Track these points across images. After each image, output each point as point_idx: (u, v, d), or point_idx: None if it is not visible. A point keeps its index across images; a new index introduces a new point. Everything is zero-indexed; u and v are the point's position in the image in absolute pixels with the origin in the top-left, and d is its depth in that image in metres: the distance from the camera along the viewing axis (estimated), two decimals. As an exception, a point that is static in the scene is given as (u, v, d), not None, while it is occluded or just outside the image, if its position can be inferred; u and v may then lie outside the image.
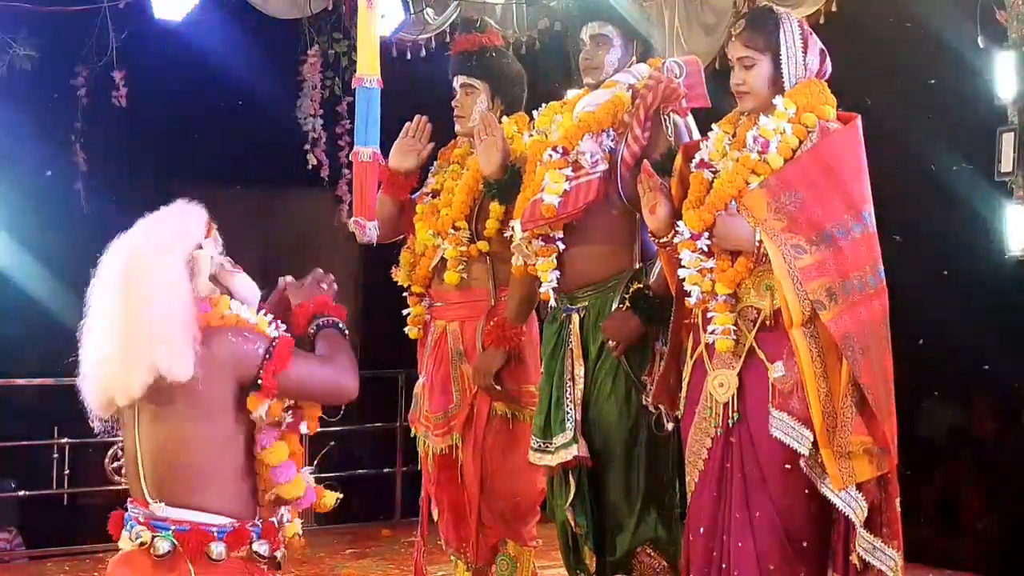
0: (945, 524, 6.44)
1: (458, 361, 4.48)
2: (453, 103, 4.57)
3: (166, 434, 2.77)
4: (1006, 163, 4.88)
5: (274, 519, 2.89)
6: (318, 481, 3.04)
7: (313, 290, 3.05)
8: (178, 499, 2.76)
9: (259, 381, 2.76)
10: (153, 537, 2.74)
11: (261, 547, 2.81)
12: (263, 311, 2.95)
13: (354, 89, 4.52)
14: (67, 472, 6.38)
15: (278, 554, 2.86)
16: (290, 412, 2.89)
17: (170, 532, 2.73)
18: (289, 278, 3.10)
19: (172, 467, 2.78)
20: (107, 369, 2.77)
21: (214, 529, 2.76)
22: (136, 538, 2.75)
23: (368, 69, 4.40)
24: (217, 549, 2.74)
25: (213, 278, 2.89)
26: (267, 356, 2.77)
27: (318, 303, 3.00)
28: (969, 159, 5.34)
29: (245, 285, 2.96)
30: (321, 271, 3.12)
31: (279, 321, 2.93)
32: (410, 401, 4.82)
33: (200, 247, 2.87)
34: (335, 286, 3.10)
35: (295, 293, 3.05)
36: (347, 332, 2.98)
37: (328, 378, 2.86)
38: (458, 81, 4.54)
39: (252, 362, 2.77)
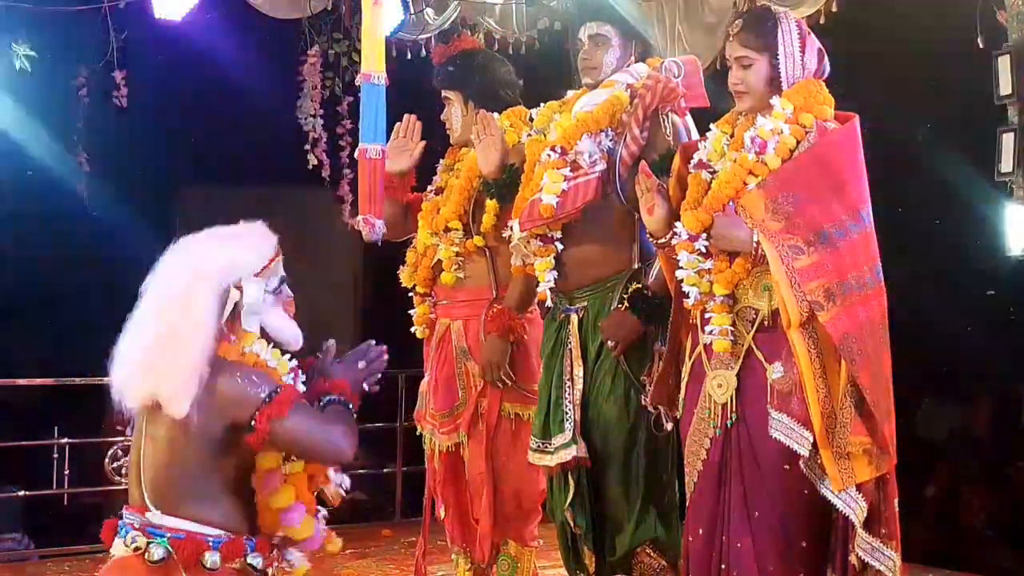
0: (945, 524, 6.44)
1: (463, 359, 4.49)
2: (442, 116, 4.62)
3: (166, 448, 2.78)
4: (1006, 163, 4.87)
5: (274, 542, 2.90)
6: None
7: (347, 370, 2.99)
8: (175, 508, 2.77)
9: (252, 423, 2.73)
10: (148, 543, 2.74)
11: (255, 560, 2.81)
12: (289, 356, 2.93)
13: (356, 88, 4.52)
14: (67, 472, 6.38)
15: (271, 571, 2.86)
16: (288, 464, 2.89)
17: (165, 539, 2.74)
18: (332, 343, 3.05)
19: (170, 479, 2.79)
20: (127, 371, 2.78)
21: (209, 539, 2.76)
22: (131, 543, 2.75)
23: (374, 66, 4.40)
24: (212, 558, 2.74)
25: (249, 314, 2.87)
26: (267, 401, 2.74)
27: (335, 386, 2.94)
28: (969, 159, 5.33)
29: (283, 327, 2.92)
30: (371, 344, 3.06)
31: (301, 370, 2.93)
32: (411, 401, 4.82)
33: (240, 287, 2.83)
34: (384, 358, 3.05)
35: (327, 366, 3.00)
36: (354, 414, 2.93)
37: (323, 437, 2.80)
38: (442, 94, 4.60)
39: (251, 405, 2.74)
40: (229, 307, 2.81)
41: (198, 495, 2.78)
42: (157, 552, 2.73)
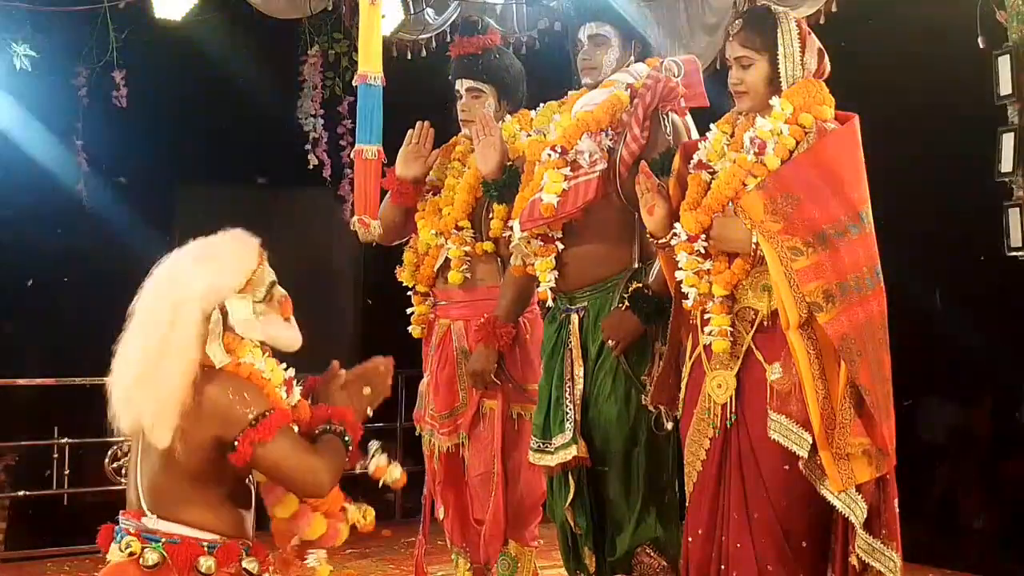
0: (945, 524, 6.43)
1: (463, 360, 4.49)
2: (459, 107, 4.55)
3: (160, 460, 2.77)
4: (1006, 163, 4.87)
5: (293, 545, 2.92)
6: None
7: (351, 398, 2.96)
8: (171, 513, 2.77)
9: (235, 444, 2.71)
10: (143, 548, 2.74)
11: (251, 564, 2.80)
12: (286, 366, 2.91)
13: (355, 88, 4.51)
14: (67, 472, 6.38)
15: None
16: None
17: (160, 544, 2.74)
18: (336, 364, 3.02)
19: (167, 487, 2.78)
20: (116, 396, 2.79)
21: (204, 544, 2.75)
22: (126, 548, 2.74)
23: (371, 67, 4.40)
24: (206, 563, 2.73)
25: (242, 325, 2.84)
26: (253, 424, 2.71)
27: (337, 414, 2.90)
28: (969, 159, 5.33)
29: (277, 332, 2.88)
30: (378, 365, 3.04)
31: (304, 389, 2.93)
32: (410, 401, 4.82)
33: (224, 309, 2.80)
34: (388, 382, 3.03)
35: (331, 392, 2.97)
36: (350, 447, 2.88)
37: (303, 469, 2.76)
38: (463, 85, 4.53)
39: (237, 425, 2.72)
40: (216, 329, 2.77)
41: (194, 501, 2.77)
42: (152, 557, 2.73)
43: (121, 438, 6.05)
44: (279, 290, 2.90)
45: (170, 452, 2.72)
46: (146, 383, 2.71)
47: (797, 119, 3.52)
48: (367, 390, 3.00)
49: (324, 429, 2.86)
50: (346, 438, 2.86)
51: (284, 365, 2.90)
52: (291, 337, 2.90)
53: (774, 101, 3.54)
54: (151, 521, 2.76)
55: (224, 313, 2.79)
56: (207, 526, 2.77)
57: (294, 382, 2.93)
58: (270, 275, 2.89)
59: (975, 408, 6.62)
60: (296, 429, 2.82)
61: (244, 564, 2.80)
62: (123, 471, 6.12)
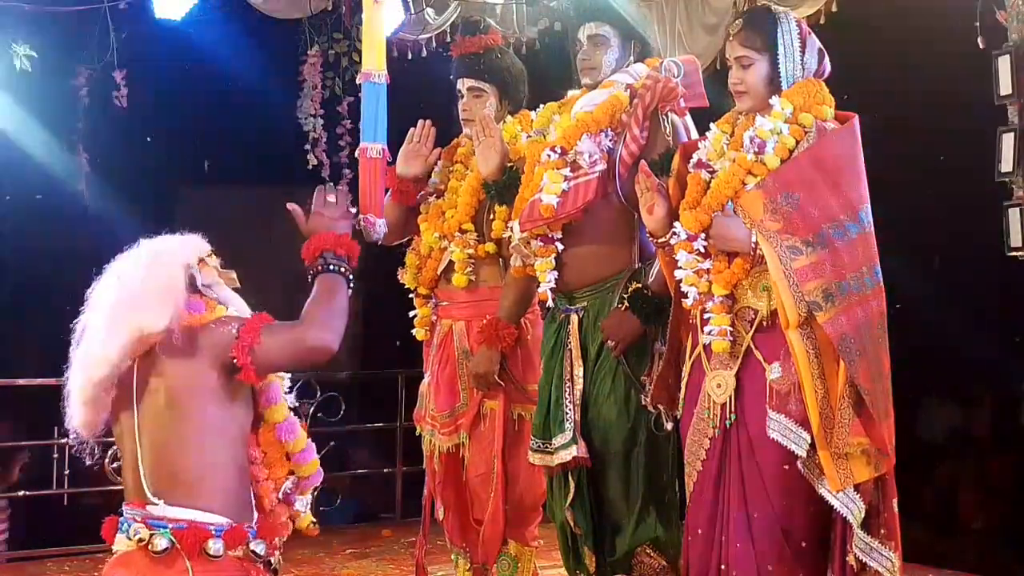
0: (944, 524, 6.44)
1: (464, 360, 4.48)
2: (461, 106, 4.54)
3: (166, 435, 2.80)
4: (1006, 163, 4.87)
5: (286, 489, 2.96)
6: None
7: (324, 218, 2.97)
8: (177, 498, 2.78)
9: (235, 361, 2.78)
10: (151, 534, 2.75)
11: (258, 547, 2.82)
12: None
13: (357, 87, 4.50)
14: (67, 472, 6.38)
15: (273, 559, 2.88)
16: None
17: (168, 530, 2.74)
18: (293, 206, 3.03)
19: (172, 467, 2.79)
20: (90, 350, 2.84)
21: (212, 527, 2.77)
22: (135, 535, 2.75)
23: (375, 65, 4.39)
24: (215, 546, 2.75)
25: (208, 290, 2.94)
26: (237, 335, 2.79)
27: (329, 239, 2.93)
28: (969, 159, 5.33)
29: (237, 304, 2.99)
30: (324, 189, 3.04)
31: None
32: (410, 401, 4.82)
33: (202, 260, 2.94)
34: (347, 199, 3.03)
35: (306, 220, 2.99)
36: (351, 277, 2.92)
37: (304, 345, 2.82)
38: (465, 84, 4.53)
39: (227, 343, 2.79)
40: (197, 277, 2.91)
41: (202, 482, 2.79)
42: (161, 543, 2.74)
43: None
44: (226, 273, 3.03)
45: (178, 403, 2.78)
46: (132, 298, 2.79)
47: (797, 119, 3.53)
48: (330, 200, 3.00)
49: (323, 264, 2.89)
50: (343, 269, 2.90)
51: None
52: (243, 304, 3.00)
53: (774, 101, 3.54)
54: (157, 508, 2.77)
55: (202, 263, 2.94)
56: (213, 509, 2.78)
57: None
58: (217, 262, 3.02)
59: (974, 408, 6.62)
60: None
61: (251, 546, 2.81)
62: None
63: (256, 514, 2.91)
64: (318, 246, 2.92)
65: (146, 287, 2.80)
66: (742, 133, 3.60)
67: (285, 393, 3.02)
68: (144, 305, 2.77)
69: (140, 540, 2.75)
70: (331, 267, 2.90)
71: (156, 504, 2.77)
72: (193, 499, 2.77)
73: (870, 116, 3.64)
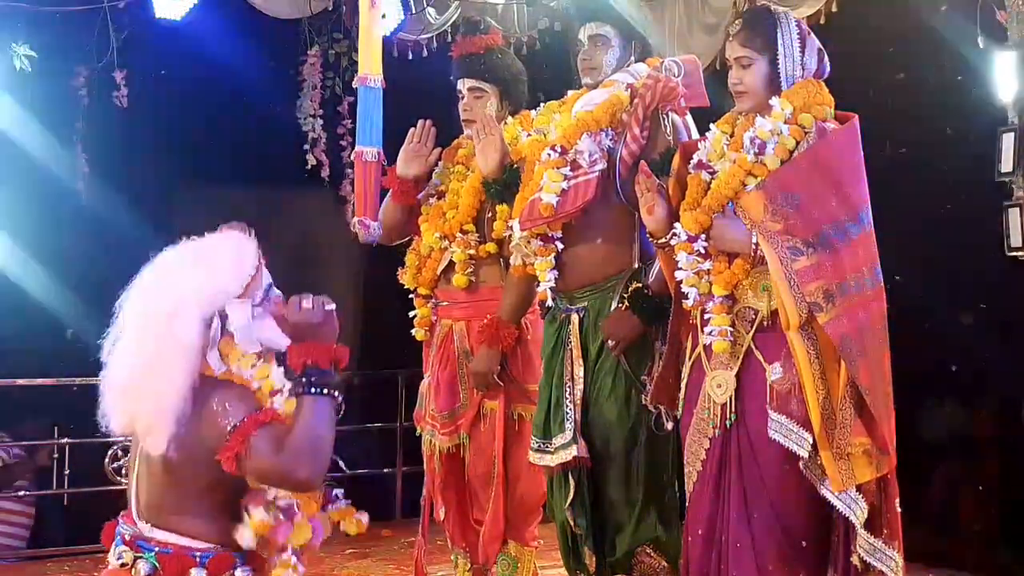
0: (945, 524, 6.42)
1: (464, 360, 4.49)
2: (461, 107, 4.55)
3: (159, 469, 2.73)
4: (1006, 163, 4.87)
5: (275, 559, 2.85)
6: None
7: (307, 328, 2.72)
8: (164, 522, 2.74)
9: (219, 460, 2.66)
10: (136, 558, 2.72)
11: (244, 574, 2.76)
12: (284, 371, 2.81)
13: (355, 89, 4.51)
14: (67, 472, 6.38)
15: None
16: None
17: (153, 554, 2.71)
18: (279, 296, 2.82)
19: (160, 494, 2.75)
20: (108, 397, 2.74)
21: (197, 554, 2.72)
22: (119, 558, 2.73)
23: (371, 69, 4.39)
24: (197, 575, 2.71)
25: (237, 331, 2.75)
26: (229, 434, 2.63)
27: (310, 351, 2.71)
28: (969, 159, 5.33)
29: (272, 337, 2.76)
30: (299, 298, 2.76)
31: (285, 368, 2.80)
32: (410, 401, 4.82)
33: (224, 314, 2.72)
34: (322, 303, 2.76)
35: (285, 327, 2.77)
36: (338, 394, 2.71)
37: (284, 476, 2.65)
38: (465, 84, 4.53)
39: (218, 438, 2.65)
40: (215, 334, 2.71)
41: (189, 511, 2.74)
42: (144, 569, 2.70)
43: (121, 438, 6.10)
44: (275, 291, 2.82)
45: (166, 460, 2.69)
46: (142, 390, 2.66)
47: (797, 119, 3.53)
48: (306, 304, 2.73)
49: (307, 382, 2.67)
50: (326, 391, 2.67)
51: (281, 369, 2.79)
52: (283, 341, 2.77)
53: (774, 101, 3.55)
54: (146, 529, 2.74)
55: (224, 318, 2.73)
56: (201, 535, 2.73)
57: (286, 389, 2.80)
58: (267, 278, 2.82)
59: (975, 408, 6.60)
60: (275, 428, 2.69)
61: (237, 574, 2.76)
62: (123, 471, 6.12)
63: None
64: (300, 359, 2.71)
65: (159, 382, 2.63)
66: (742, 134, 3.60)
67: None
68: (150, 410, 2.64)
69: (123, 564, 2.72)
70: (313, 389, 2.67)
71: (144, 524, 2.75)
72: (180, 524, 2.73)
73: (870, 116, 3.64)
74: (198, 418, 2.66)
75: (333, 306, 2.75)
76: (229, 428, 2.64)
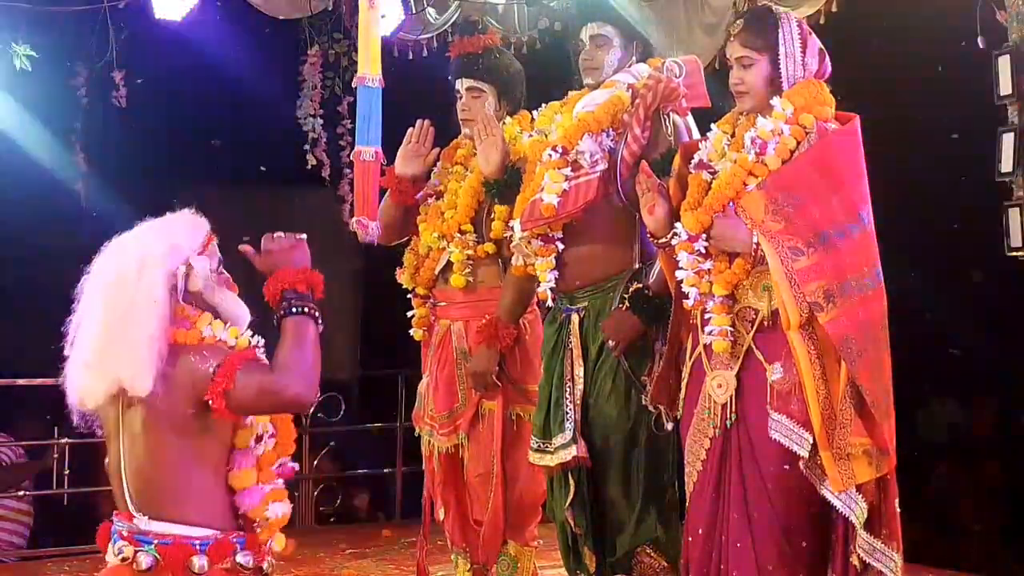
0: (945, 524, 6.44)
1: (462, 360, 4.48)
2: (459, 106, 4.54)
3: (144, 449, 2.75)
4: (1006, 163, 4.86)
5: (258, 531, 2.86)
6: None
7: (276, 254, 2.83)
8: (160, 512, 2.74)
9: (209, 400, 2.69)
10: (136, 552, 2.71)
11: (245, 558, 2.76)
12: (251, 333, 2.87)
13: (355, 89, 4.51)
14: (67, 472, 6.38)
15: (265, 564, 2.83)
16: (263, 441, 2.84)
17: (152, 546, 2.71)
18: (245, 247, 2.88)
19: (152, 481, 2.75)
20: (81, 373, 2.77)
21: (196, 542, 2.72)
22: (119, 553, 2.72)
23: (369, 69, 4.39)
24: (199, 562, 2.71)
25: (199, 295, 2.84)
26: (214, 374, 2.68)
27: (287, 276, 2.80)
28: (969, 159, 5.33)
29: (233, 305, 2.89)
30: (270, 236, 2.88)
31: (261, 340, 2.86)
32: (410, 401, 4.82)
33: (189, 264, 2.81)
34: (293, 236, 2.86)
35: (260, 261, 2.85)
36: (317, 314, 2.80)
37: (276, 396, 2.72)
38: (463, 84, 4.52)
39: (203, 382, 2.70)
40: (181, 286, 2.80)
41: (183, 495, 2.74)
42: (145, 561, 2.70)
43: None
44: (225, 271, 2.92)
45: (155, 428, 2.71)
46: (119, 335, 2.70)
47: (798, 119, 3.52)
48: (276, 241, 2.84)
49: (287, 305, 2.76)
50: (307, 309, 2.77)
51: (250, 333, 2.86)
52: (241, 306, 2.90)
53: (775, 101, 3.54)
54: (143, 522, 2.74)
55: (189, 268, 2.81)
56: (198, 521, 2.74)
57: (260, 344, 2.86)
58: (219, 254, 2.91)
59: (975, 408, 6.62)
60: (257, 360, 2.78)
61: (238, 559, 2.76)
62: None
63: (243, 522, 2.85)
64: (277, 286, 2.79)
65: (135, 330, 2.69)
66: (743, 134, 3.59)
67: (256, 441, 2.86)
68: (130, 355, 2.69)
69: (124, 559, 2.72)
70: (294, 309, 2.76)
71: (141, 518, 2.74)
72: (177, 514, 2.73)
73: (870, 116, 3.64)
74: (176, 376, 2.71)
75: (304, 236, 2.87)
76: (212, 369, 2.70)
